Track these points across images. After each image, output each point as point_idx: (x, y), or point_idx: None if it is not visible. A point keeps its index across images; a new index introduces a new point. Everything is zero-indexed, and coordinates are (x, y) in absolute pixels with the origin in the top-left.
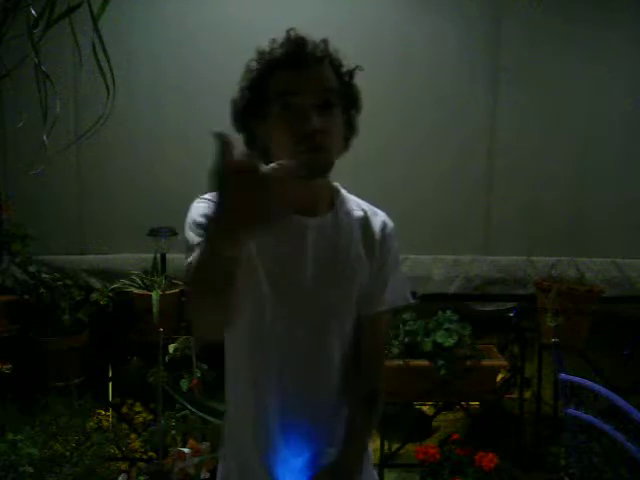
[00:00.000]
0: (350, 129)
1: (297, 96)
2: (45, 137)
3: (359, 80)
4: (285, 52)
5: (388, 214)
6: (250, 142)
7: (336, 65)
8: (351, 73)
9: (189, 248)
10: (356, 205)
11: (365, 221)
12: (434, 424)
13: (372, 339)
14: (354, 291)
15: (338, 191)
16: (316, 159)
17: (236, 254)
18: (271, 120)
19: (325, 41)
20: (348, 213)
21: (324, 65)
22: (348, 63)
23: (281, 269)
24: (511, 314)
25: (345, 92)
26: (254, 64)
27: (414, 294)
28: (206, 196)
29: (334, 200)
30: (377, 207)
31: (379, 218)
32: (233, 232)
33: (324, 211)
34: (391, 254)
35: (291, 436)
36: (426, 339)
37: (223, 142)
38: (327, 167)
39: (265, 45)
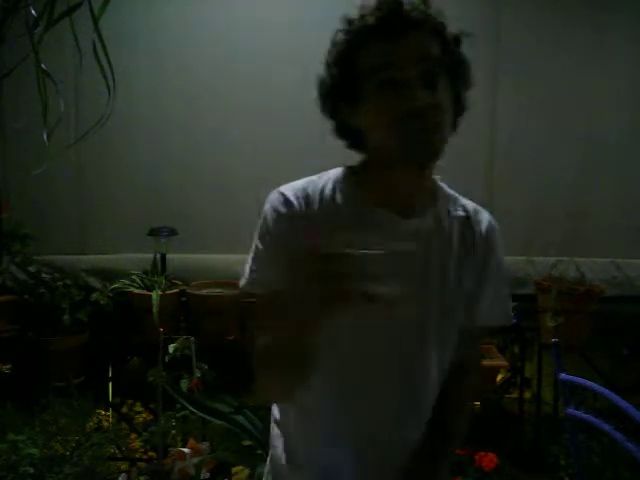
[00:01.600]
0: (458, 106)
1: (397, 69)
2: (46, 137)
3: None
4: (378, 18)
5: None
6: (342, 130)
7: (439, 30)
8: (457, 39)
9: (255, 258)
10: (457, 203)
11: (467, 222)
12: None
13: (461, 362)
14: (456, 310)
15: (439, 186)
16: (428, 140)
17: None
18: (366, 100)
19: (425, 1)
20: (449, 213)
21: (425, 31)
22: (451, 29)
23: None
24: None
25: (451, 62)
26: (341, 36)
27: None
28: (289, 193)
29: (436, 197)
30: (481, 206)
31: (483, 218)
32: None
33: (422, 210)
34: (493, 260)
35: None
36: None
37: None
38: (440, 151)
39: (354, 14)
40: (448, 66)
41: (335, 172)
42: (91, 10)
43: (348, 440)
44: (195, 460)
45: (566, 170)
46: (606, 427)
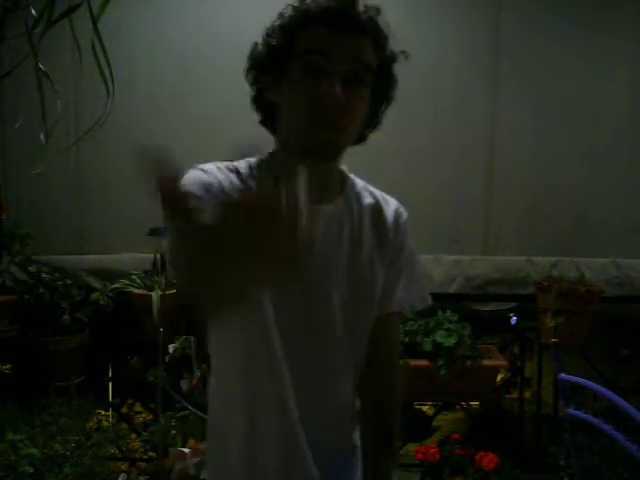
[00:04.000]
0: (372, 119)
1: (327, 59)
2: (45, 137)
3: None
4: (329, 7)
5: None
6: (259, 102)
7: (380, 42)
8: (393, 56)
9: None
10: (366, 191)
11: (376, 209)
12: (434, 424)
13: (383, 346)
14: (373, 294)
15: (347, 175)
16: (330, 139)
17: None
18: (289, 80)
19: (378, 10)
20: (358, 199)
21: (368, 36)
22: (393, 46)
23: None
24: (511, 314)
25: (380, 75)
26: (289, 10)
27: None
28: (206, 166)
29: (344, 185)
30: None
31: (392, 206)
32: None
33: (333, 197)
34: (406, 246)
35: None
36: (426, 339)
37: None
38: (338, 151)
39: None
40: (376, 77)
41: (245, 162)
42: (90, 10)
43: (271, 409)
44: (195, 460)
45: (566, 170)
46: (606, 427)
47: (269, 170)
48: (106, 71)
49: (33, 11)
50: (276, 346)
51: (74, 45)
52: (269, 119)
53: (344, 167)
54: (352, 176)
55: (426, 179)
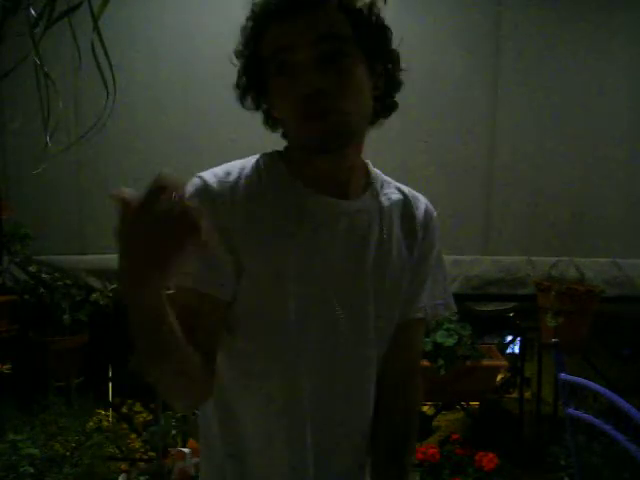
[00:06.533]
0: (384, 84)
1: (292, 52)
2: (45, 137)
3: None
4: (273, 1)
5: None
6: (268, 122)
7: (345, 4)
8: (370, 8)
9: None
10: (393, 186)
11: (406, 205)
12: (434, 424)
13: (403, 357)
14: (398, 298)
15: (371, 169)
16: (327, 129)
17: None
18: (271, 88)
19: None
20: (387, 195)
21: (328, 8)
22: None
23: (302, 265)
24: (511, 314)
25: (364, 36)
26: (249, 21)
27: None
28: (210, 179)
29: (370, 180)
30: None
31: (422, 204)
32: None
33: (358, 193)
34: (434, 248)
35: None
36: (426, 339)
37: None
38: (343, 135)
39: None
40: (360, 41)
41: (262, 157)
42: (91, 10)
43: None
44: (195, 460)
45: (566, 170)
46: (606, 427)
47: (286, 167)
48: (106, 71)
49: (33, 11)
50: (295, 359)
51: (74, 45)
52: (283, 131)
53: (369, 162)
54: (378, 171)
55: (426, 179)
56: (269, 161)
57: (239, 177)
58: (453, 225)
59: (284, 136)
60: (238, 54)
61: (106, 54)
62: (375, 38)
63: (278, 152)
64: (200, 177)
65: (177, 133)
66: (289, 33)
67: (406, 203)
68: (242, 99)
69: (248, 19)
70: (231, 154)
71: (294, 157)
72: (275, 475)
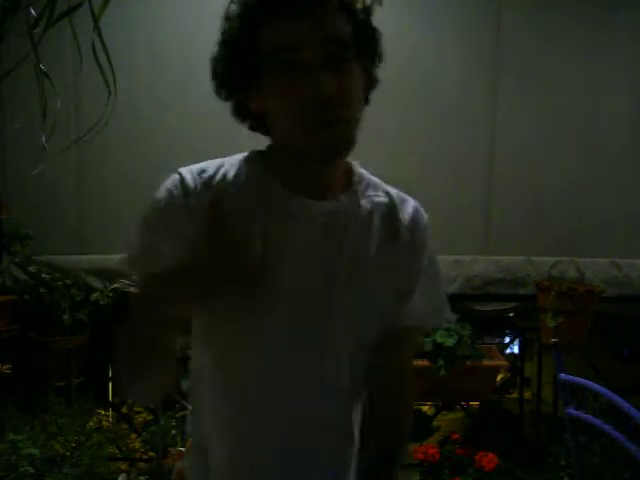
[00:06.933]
0: (369, 82)
1: (298, 51)
2: (45, 137)
3: None
4: None
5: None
6: (241, 113)
7: (346, 3)
8: (368, 11)
9: (133, 256)
10: (379, 189)
11: (390, 208)
12: (434, 424)
13: (393, 365)
14: (376, 304)
15: (355, 170)
16: (341, 135)
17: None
18: (267, 84)
19: None
20: (369, 197)
21: (330, 7)
22: None
23: (274, 268)
24: (511, 314)
25: (362, 38)
26: (235, 10)
27: None
28: (187, 175)
29: (351, 181)
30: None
31: (409, 206)
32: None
33: (335, 193)
34: (424, 253)
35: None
36: (426, 339)
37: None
38: (349, 144)
39: None
40: (357, 43)
41: (243, 156)
42: (91, 10)
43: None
44: None
45: (566, 170)
46: (606, 427)
47: (264, 166)
48: (107, 71)
49: (33, 11)
50: (269, 363)
51: (74, 45)
52: (258, 125)
53: (355, 163)
54: (364, 172)
55: (426, 179)
56: (248, 160)
57: (215, 174)
58: (453, 225)
59: (259, 130)
60: (224, 45)
61: (106, 54)
62: (372, 40)
63: (259, 151)
64: (178, 172)
65: (177, 133)
66: (294, 31)
67: (391, 206)
68: (222, 88)
69: (241, 7)
70: (232, 154)
71: (276, 157)
72: (240, 474)
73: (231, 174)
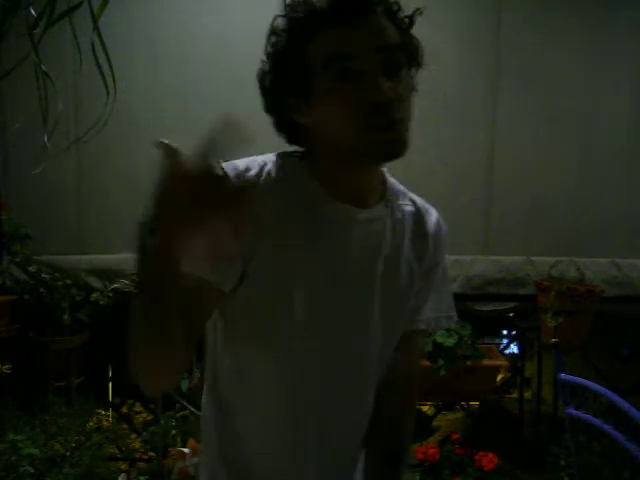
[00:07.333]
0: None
1: (356, 59)
2: (45, 137)
3: None
4: (329, 3)
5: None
6: (286, 125)
7: (394, 11)
8: (411, 20)
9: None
10: (406, 197)
11: (417, 217)
12: (434, 424)
13: (402, 367)
14: (405, 314)
15: (387, 178)
16: (394, 137)
17: (171, 293)
18: (321, 96)
19: None
20: (400, 206)
21: (381, 13)
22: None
23: (315, 273)
24: (511, 314)
25: (407, 45)
26: (284, 23)
27: None
28: (228, 168)
29: (386, 189)
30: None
31: (433, 217)
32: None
33: (374, 202)
34: (442, 262)
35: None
36: (426, 339)
37: (166, 150)
38: (404, 146)
39: None
40: (406, 51)
41: (282, 157)
42: (91, 10)
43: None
44: (195, 460)
45: (566, 170)
46: (606, 427)
47: (306, 170)
48: (106, 71)
49: (33, 11)
50: (296, 365)
51: (74, 45)
52: (299, 138)
53: (386, 170)
54: (394, 181)
55: (426, 179)
56: (290, 162)
57: (259, 174)
58: (453, 225)
59: (299, 143)
60: (273, 57)
61: (106, 54)
62: (416, 47)
63: (297, 154)
64: (221, 168)
65: (177, 133)
66: (352, 40)
67: (418, 216)
68: (270, 102)
69: (286, 19)
70: (232, 154)
71: (322, 164)
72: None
73: (274, 175)
